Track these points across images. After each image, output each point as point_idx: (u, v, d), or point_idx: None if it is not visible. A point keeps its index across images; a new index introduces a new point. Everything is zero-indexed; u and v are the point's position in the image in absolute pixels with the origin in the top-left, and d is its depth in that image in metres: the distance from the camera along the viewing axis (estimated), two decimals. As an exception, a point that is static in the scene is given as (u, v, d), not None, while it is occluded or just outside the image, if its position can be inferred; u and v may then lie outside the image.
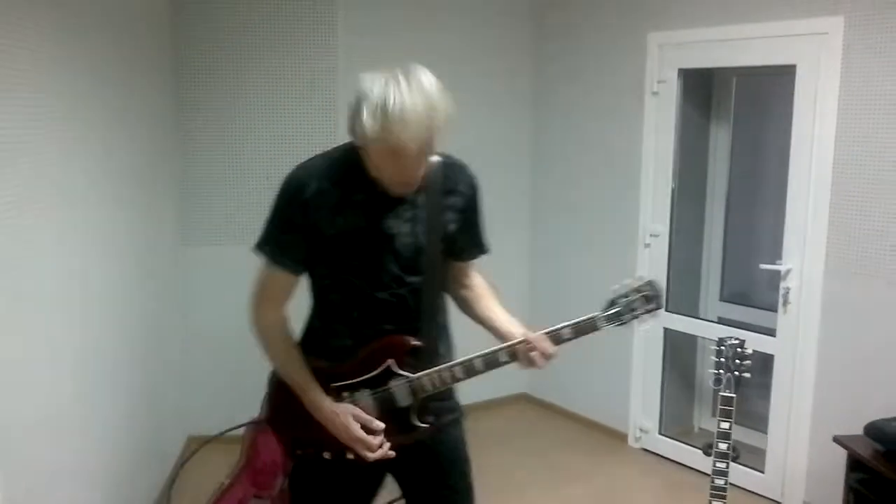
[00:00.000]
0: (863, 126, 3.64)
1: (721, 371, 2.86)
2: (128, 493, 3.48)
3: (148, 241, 3.97)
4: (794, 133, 3.91)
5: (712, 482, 2.87)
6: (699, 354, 4.88)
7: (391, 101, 1.92)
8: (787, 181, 3.97)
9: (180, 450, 4.55)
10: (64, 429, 2.73)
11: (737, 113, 4.74)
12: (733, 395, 2.84)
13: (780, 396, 4.08)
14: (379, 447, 2.17)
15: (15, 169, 2.38)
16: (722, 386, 2.85)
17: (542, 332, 2.15)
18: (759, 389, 4.36)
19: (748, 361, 2.85)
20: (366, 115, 1.95)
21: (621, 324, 2.20)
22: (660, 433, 4.74)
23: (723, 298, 4.82)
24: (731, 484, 2.87)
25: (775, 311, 4.07)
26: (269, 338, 2.31)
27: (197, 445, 4.33)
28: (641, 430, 4.80)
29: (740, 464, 3.81)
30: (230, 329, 4.70)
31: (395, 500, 2.57)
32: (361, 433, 2.16)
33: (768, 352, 4.08)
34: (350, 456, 2.21)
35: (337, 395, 2.20)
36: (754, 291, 4.70)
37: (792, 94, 3.90)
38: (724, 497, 2.85)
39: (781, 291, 3.99)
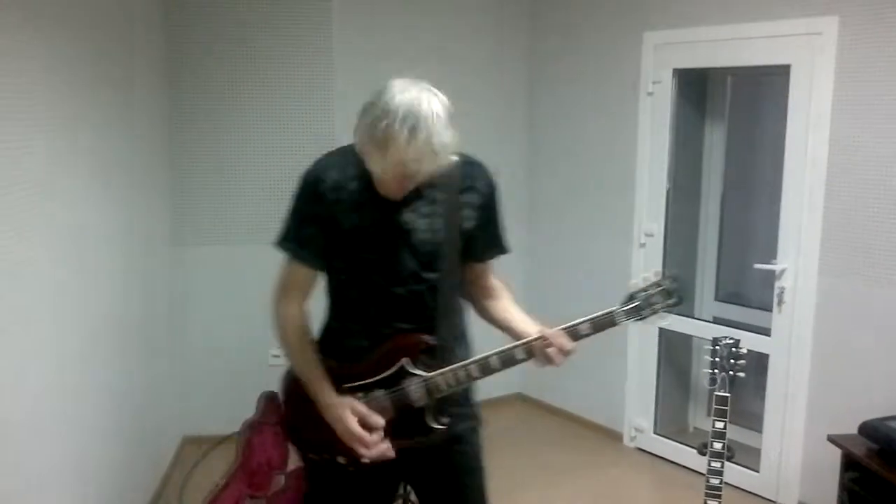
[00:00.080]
0: (857, 126, 3.65)
1: (716, 370, 2.87)
2: (122, 493, 3.47)
3: (141, 241, 3.96)
4: (788, 133, 3.92)
5: (707, 481, 2.87)
6: (694, 354, 4.88)
7: (382, 128, 1.91)
8: (781, 181, 3.97)
9: (175, 450, 4.54)
10: (57, 429, 2.72)
11: (731, 113, 4.75)
12: (728, 395, 2.84)
13: (775, 396, 4.09)
14: (376, 445, 2.14)
15: (6, 171, 2.37)
16: (717, 385, 2.85)
17: (559, 328, 2.11)
18: (754, 389, 4.37)
19: (743, 361, 2.85)
20: (362, 123, 1.98)
21: (640, 319, 2.16)
22: (655, 433, 4.74)
23: (718, 298, 4.83)
24: (726, 483, 2.88)
25: (770, 310, 4.07)
26: (285, 329, 2.27)
27: (200, 447, 4.33)
28: (636, 429, 4.80)
29: (735, 463, 3.81)
30: (224, 329, 4.74)
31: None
32: (355, 427, 2.13)
33: (763, 351, 4.09)
34: (365, 460, 2.17)
35: (351, 396, 2.18)
36: (749, 291, 4.71)
37: (786, 94, 3.91)
38: (719, 496, 2.86)
39: (776, 291, 4.00)
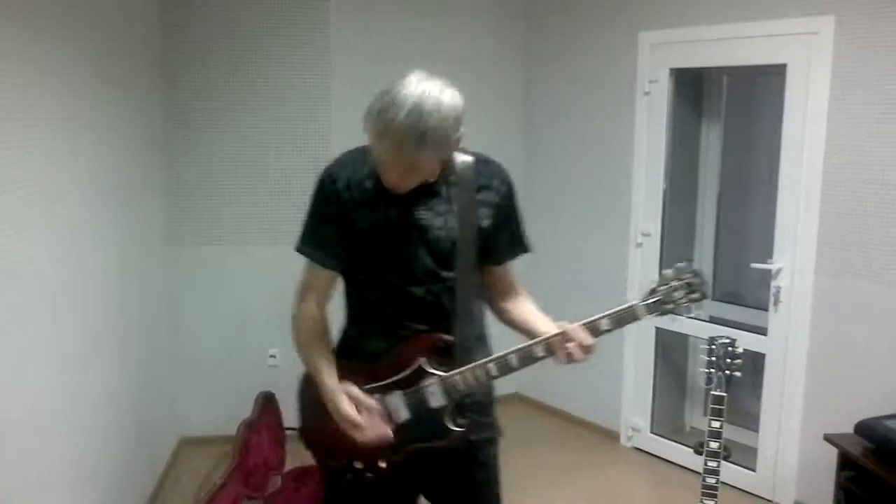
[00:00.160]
0: (853, 125, 3.65)
1: (712, 370, 2.87)
2: (119, 493, 3.47)
3: (138, 241, 3.96)
4: (784, 132, 3.92)
5: (704, 481, 2.87)
6: (691, 353, 4.88)
7: (386, 116, 1.91)
8: (777, 180, 3.98)
9: (172, 451, 4.53)
10: (54, 430, 2.72)
11: (728, 112, 4.75)
12: (724, 394, 2.84)
13: (771, 395, 4.09)
14: (370, 428, 2.11)
15: (5, 171, 2.37)
16: (713, 385, 2.86)
17: (580, 323, 2.07)
18: (751, 388, 4.37)
19: (739, 360, 2.86)
20: (369, 107, 1.96)
21: (662, 313, 2.12)
22: (651, 432, 4.75)
23: (714, 297, 4.83)
24: (722, 482, 2.88)
25: (766, 309, 4.08)
26: (299, 327, 2.26)
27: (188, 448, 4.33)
28: (633, 428, 4.80)
29: (731, 462, 3.81)
30: (221, 329, 4.73)
31: None
32: (349, 411, 2.10)
33: (759, 351, 4.09)
34: (382, 465, 2.16)
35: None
36: (745, 290, 4.71)
37: (783, 94, 3.91)
38: (715, 496, 2.86)
39: (772, 290, 4.00)
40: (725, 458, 2.87)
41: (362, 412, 2.11)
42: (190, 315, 4.70)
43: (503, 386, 5.71)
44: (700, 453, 2.89)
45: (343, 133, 4.62)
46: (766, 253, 4.06)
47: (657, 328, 4.59)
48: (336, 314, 2.31)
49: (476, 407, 2.22)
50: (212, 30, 4.51)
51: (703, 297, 2.13)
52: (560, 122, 5.06)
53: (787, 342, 3.98)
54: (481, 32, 5.14)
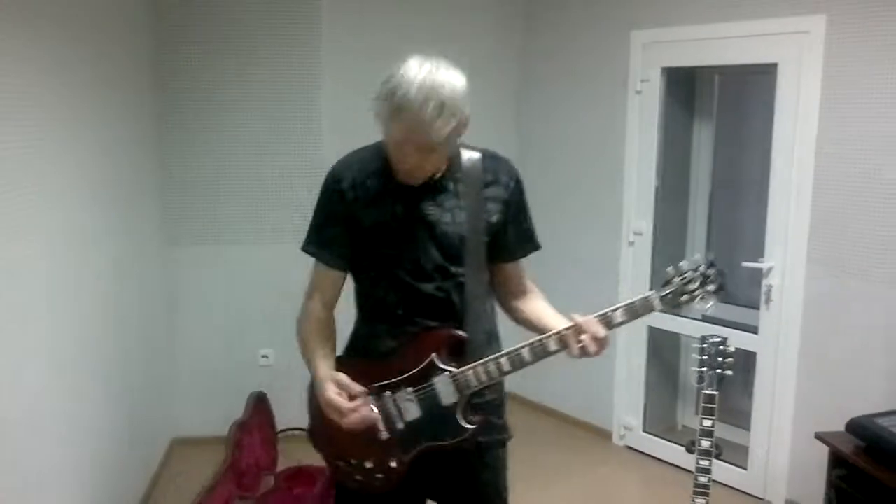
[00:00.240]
0: (844, 124, 3.66)
1: (704, 369, 2.87)
2: (112, 494, 3.46)
3: (133, 241, 3.95)
4: (775, 132, 3.93)
5: (695, 479, 2.88)
6: (682, 352, 4.89)
7: (400, 92, 1.90)
8: (769, 179, 3.98)
9: (164, 451, 4.52)
10: (47, 430, 2.72)
11: (720, 111, 4.76)
12: (716, 393, 2.85)
13: (763, 393, 4.10)
14: (352, 411, 2.06)
15: (5, 171, 2.38)
16: (705, 383, 2.86)
17: (593, 315, 2.04)
18: (742, 387, 4.38)
19: (730, 359, 2.86)
20: (379, 94, 1.96)
21: (678, 305, 2.10)
22: (644, 431, 4.75)
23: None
24: (714, 481, 2.89)
25: (758, 308, 4.09)
26: (302, 326, 2.24)
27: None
28: (625, 427, 4.81)
29: (723, 461, 3.82)
30: (216, 330, 4.72)
31: None
32: (332, 395, 2.06)
33: (751, 349, 4.10)
34: (393, 464, 2.14)
35: (378, 395, 2.12)
36: (737, 289, 4.71)
37: (774, 93, 3.92)
38: (707, 494, 2.86)
39: (763, 289, 4.01)
40: (717, 457, 2.88)
41: (345, 398, 2.07)
42: (182, 315, 4.69)
43: (495, 385, 5.60)
44: (692, 452, 2.89)
45: (334, 132, 4.62)
46: (758, 251, 4.06)
47: (649, 327, 4.60)
48: (345, 312, 2.30)
49: (488, 407, 2.19)
50: (204, 30, 4.50)
51: (720, 289, 2.10)
52: (553, 121, 5.06)
53: (779, 341, 3.99)
54: (476, 31, 5.13)
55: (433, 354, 2.10)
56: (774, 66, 3.90)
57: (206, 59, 4.52)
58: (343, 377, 2.09)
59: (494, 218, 2.16)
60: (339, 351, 2.29)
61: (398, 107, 1.90)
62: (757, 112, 4.46)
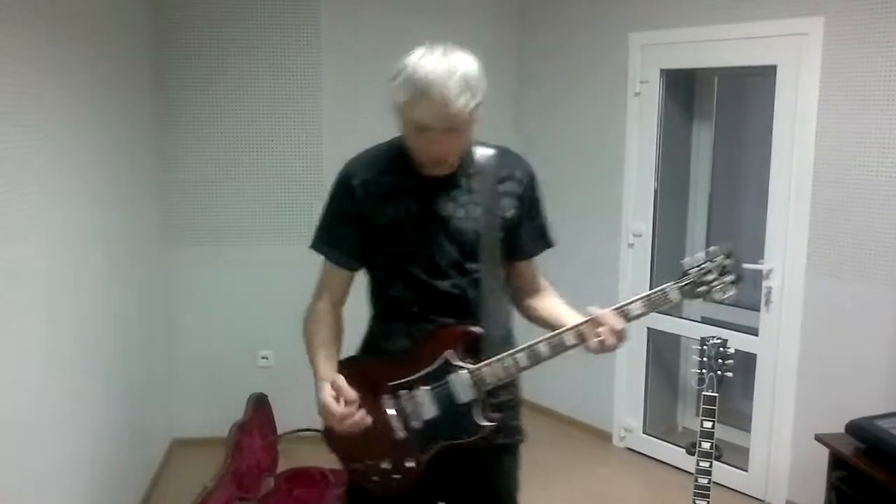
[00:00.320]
0: (843, 126, 3.66)
1: (704, 370, 2.88)
2: (111, 495, 3.46)
3: (131, 242, 3.95)
4: (774, 133, 3.93)
5: (696, 481, 2.88)
6: (682, 354, 4.89)
7: (420, 74, 1.89)
8: (768, 181, 3.99)
9: (164, 453, 4.52)
10: (47, 431, 2.72)
11: (719, 113, 4.76)
12: (716, 395, 2.85)
13: (763, 395, 4.10)
14: (345, 417, 2.01)
15: (5, 171, 2.38)
16: (705, 385, 2.87)
17: (611, 308, 2.01)
18: (742, 388, 4.38)
19: (731, 361, 2.87)
20: (396, 85, 1.94)
21: (696, 296, 2.06)
22: (644, 432, 4.75)
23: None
24: (714, 483, 2.89)
25: (758, 310, 4.09)
26: (307, 321, 2.22)
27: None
28: (625, 429, 4.81)
29: (723, 462, 3.82)
30: (215, 331, 4.72)
31: None
32: (327, 398, 2.02)
33: (751, 351, 4.10)
34: (410, 464, 2.10)
35: (394, 394, 2.10)
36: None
37: (773, 94, 3.92)
38: (707, 496, 2.86)
39: (763, 291, 4.01)
40: (717, 459, 2.88)
41: (341, 402, 2.03)
42: (182, 316, 4.69)
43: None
44: (692, 453, 2.89)
45: (333, 133, 4.62)
46: (758, 253, 4.06)
47: (649, 329, 4.60)
48: (352, 312, 2.28)
49: (504, 408, 2.17)
50: (202, 30, 4.50)
51: (738, 279, 2.06)
52: (552, 122, 5.06)
53: (779, 342, 3.99)
54: (474, 31, 5.12)
55: (449, 351, 2.07)
56: (773, 67, 3.90)
57: (204, 60, 4.52)
58: (340, 381, 2.05)
59: (509, 213, 2.14)
60: (352, 351, 2.26)
61: (423, 87, 1.88)
62: (756, 113, 4.46)
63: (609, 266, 4.70)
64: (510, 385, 2.17)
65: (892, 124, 3.50)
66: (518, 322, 2.28)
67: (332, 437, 2.21)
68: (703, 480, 2.87)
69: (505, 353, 2.05)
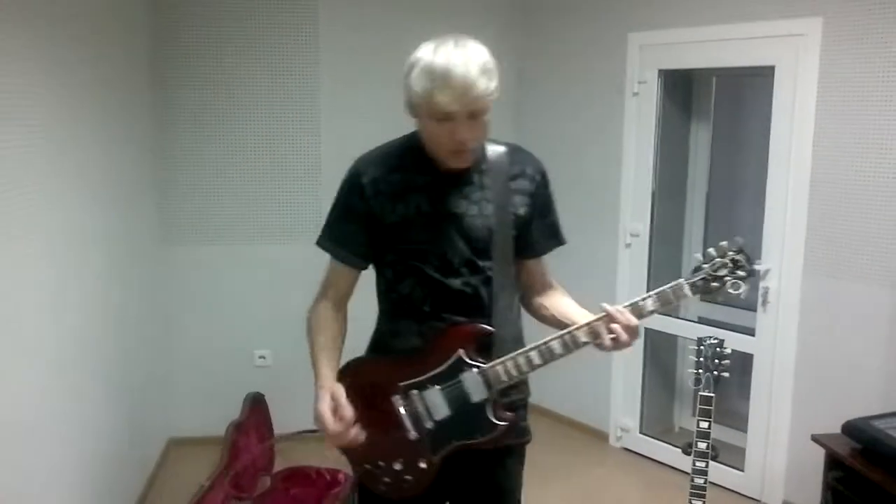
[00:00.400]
0: (840, 126, 3.67)
1: (700, 371, 2.88)
2: (108, 494, 3.45)
3: (129, 241, 3.95)
4: (772, 134, 3.93)
5: (692, 481, 2.88)
6: (679, 354, 4.90)
7: (438, 61, 1.88)
8: (766, 181, 3.99)
9: (160, 452, 4.52)
10: (46, 431, 2.72)
11: (717, 113, 4.77)
12: (712, 395, 2.85)
13: (760, 395, 4.11)
14: (339, 434, 2.00)
15: (5, 171, 2.38)
16: (701, 385, 2.87)
17: (623, 304, 2.01)
18: (739, 389, 4.38)
19: (727, 361, 2.87)
20: (413, 77, 1.92)
21: (709, 292, 2.05)
22: (640, 432, 4.76)
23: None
24: (710, 483, 2.89)
25: (755, 310, 4.09)
26: (309, 320, 2.19)
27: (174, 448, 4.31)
28: (622, 429, 4.81)
29: (720, 462, 3.82)
30: (213, 330, 4.72)
31: None
32: (324, 411, 1.99)
33: (748, 351, 4.11)
34: (422, 465, 2.07)
35: (405, 394, 2.07)
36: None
37: (771, 95, 3.92)
38: (703, 496, 2.87)
39: (760, 291, 4.01)
40: (714, 459, 2.88)
41: (336, 418, 2.01)
42: (179, 315, 4.69)
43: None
44: (689, 453, 2.89)
45: (332, 131, 4.62)
46: (755, 253, 4.03)
47: (646, 329, 4.60)
48: (358, 310, 2.27)
49: (513, 407, 2.15)
50: (201, 27, 4.50)
51: (750, 274, 2.06)
52: (549, 122, 5.06)
53: (775, 343, 3.99)
54: (472, 31, 5.10)
55: (461, 350, 2.05)
56: (771, 68, 3.90)
57: (203, 59, 4.52)
58: (340, 395, 2.03)
59: (521, 211, 2.13)
60: (356, 351, 2.24)
61: (443, 73, 1.87)
62: (754, 114, 4.47)
63: (606, 266, 4.70)
64: (521, 384, 2.15)
65: (890, 125, 3.50)
66: (526, 321, 2.26)
67: None
68: (699, 480, 2.87)
69: (517, 352, 2.03)
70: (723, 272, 2.05)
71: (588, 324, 2.01)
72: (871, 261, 3.60)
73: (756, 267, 2.11)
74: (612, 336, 1.98)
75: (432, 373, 2.06)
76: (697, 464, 2.87)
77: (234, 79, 4.56)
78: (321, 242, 2.18)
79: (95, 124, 3.39)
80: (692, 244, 4.84)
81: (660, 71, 4.44)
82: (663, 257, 4.68)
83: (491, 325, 2.08)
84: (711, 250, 2.07)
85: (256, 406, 4.24)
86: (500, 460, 2.21)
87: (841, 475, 3.24)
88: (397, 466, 2.11)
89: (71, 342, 3.00)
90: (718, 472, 3.95)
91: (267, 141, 4.62)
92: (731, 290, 2.04)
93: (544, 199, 2.21)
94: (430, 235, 2.06)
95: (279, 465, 4.09)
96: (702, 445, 2.85)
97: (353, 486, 2.29)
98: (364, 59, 4.66)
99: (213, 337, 4.73)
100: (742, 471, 4.20)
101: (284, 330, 4.65)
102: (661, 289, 2.02)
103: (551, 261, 2.35)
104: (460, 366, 2.05)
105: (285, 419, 4.31)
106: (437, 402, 2.06)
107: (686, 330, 4.41)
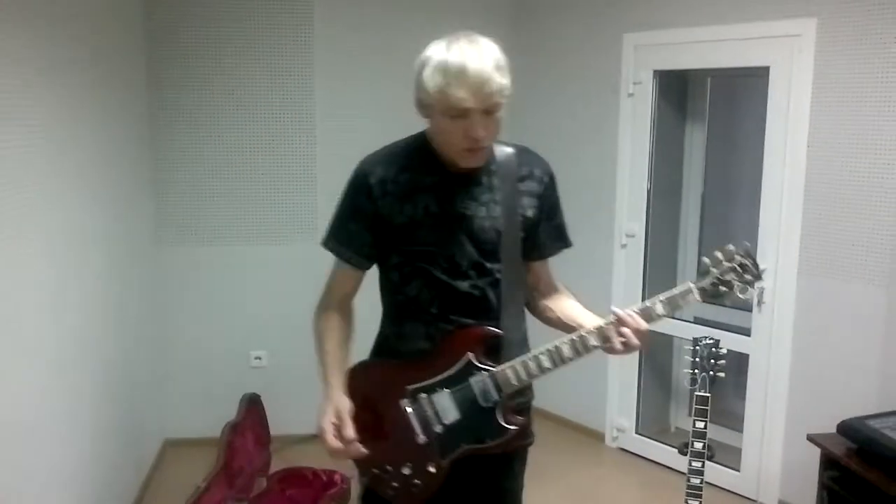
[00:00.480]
0: (835, 127, 3.67)
1: (696, 371, 2.88)
2: (103, 496, 3.45)
3: (125, 242, 3.95)
4: (767, 134, 3.94)
5: (688, 481, 2.88)
6: (675, 354, 4.90)
7: (453, 57, 1.88)
8: (761, 181, 3.99)
9: (156, 453, 4.51)
10: (38, 431, 2.71)
11: (712, 113, 4.77)
12: (708, 395, 2.85)
13: (755, 395, 4.11)
14: (338, 449, 2.01)
15: (5, 171, 2.38)
16: (697, 385, 2.87)
17: (633, 309, 2.00)
18: (735, 389, 4.39)
19: (723, 361, 2.87)
20: (427, 74, 1.91)
21: (717, 296, 2.04)
22: (636, 432, 4.76)
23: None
24: (706, 483, 2.89)
25: (750, 310, 4.09)
26: (317, 322, 2.17)
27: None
28: (618, 429, 4.81)
29: (716, 462, 3.83)
30: (208, 331, 4.71)
31: None
32: (326, 425, 2.00)
33: (743, 351, 4.11)
34: (431, 469, 2.05)
35: (413, 397, 2.05)
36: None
37: (766, 95, 3.93)
38: (699, 496, 2.87)
39: (756, 291, 4.02)
40: (710, 459, 2.88)
41: (338, 436, 2.00)
42: (175, 316, 4.68)
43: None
44: (685, 454, 2.89)
45: (327, 132, 4.62)
46: (741, 245, 4.06)
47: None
48: (362, 311, 2.25)
49: (523, 410, 2.14)
50: (195, 28, 4.49)
51: (756, 278, 2.06)
52: (544, 122, 5.06)
53: (771, 343, 4.00)
54: (470, 30, 5.12)
55: (471, 353, 2.03)
56: (766, 69, 3.91)
57: (201, 60, 4.52)
58: (344, 412, 2.02)
59: (529, 213, 2.11)
60: (361, 350, 2.23)
61: (459, 68, 1.86)
62: (749, 114, 4.47)
63: (602, 266, 4.70)
64: (527, 387, 2.14)
65: (885, 125, 3.51)
66: (536, 327, 2.26)
67: None
68: (695, 480, 2.87)
69: (527, 355, 2.02)
70: (730, 276, 2.05)
71: (598, 327, 2.01)
72: (865, 261, 3.61)
73: (761, 271, 2.09)
74: (622, 340, 1.98)
75: (441, 376, 2.04)
76: (693, 464, 2.87)
77: (232, 79, 4.56)
78: (327, 243, 2.16)
79: (95, 124, 3.39)
80: (688, 244, 4.85)
81: (655, 71, 4.45)
82: (659, 257, 4.69)
83: (499, 328, 2.07)
84: (717, 254, 2.07)
85: (252, 407, 4.23)
86: (507, 464, 2.20)
87: (836, 475, 3.25)
88: (406, 471, 2.08)
89: (70, 342, 3.00)
90: (714, 471, 3.96)
91: (263, 141, 4.62)
92: (739, 295, 2.05)
93: (552, 201, 2.21)
94: (438, 237, 2.04)
95: (275, 466, 4.08)
96: (698, 445, 2.86)
97: (360, 491, 2.25)
98: (360, 61, 4.66)
99: (209, 338, 4.72)
100: (738, 471, 4.20)
101: (280, 331, 4.68)
102: (670, 293, 2.03)
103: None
104: (470, 369, 2.03)
105: (281, 420, 4.30)
106: (446, 406, 2.04)
107: (682, 330, 4.41)
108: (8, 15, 2.44)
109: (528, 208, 2.12)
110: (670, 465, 4.43)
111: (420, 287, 2.08)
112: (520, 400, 2.14)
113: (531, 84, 5.15)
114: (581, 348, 2.01)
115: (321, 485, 3.87)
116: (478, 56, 1.88)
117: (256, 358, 4.76)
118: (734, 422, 4.39)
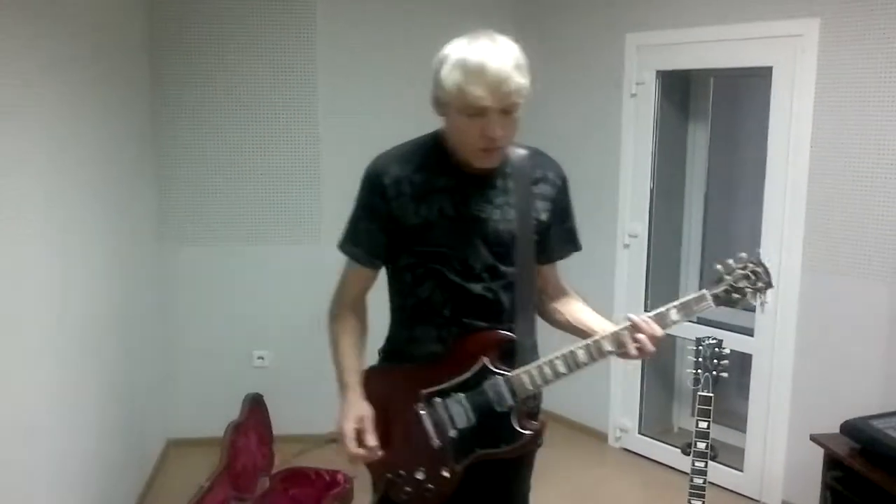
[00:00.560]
0: (838, 127, 3.67)
1: (699, 371, 2.88)
2: (107, 496, 3.45)
3: (128, 240, 3.95)
4: (770, 134, 3.94)
5: (691, 481, 2.88)
6: (678, 354, 4.89)
7: (473, 55, 1.87)
8: (764, 181, 3.99)
9: (159, 453, 4.51)
10: (42, 431, 2.71)
11: (714, 114, 4.76)
12: (711, 395, 2.85)
13: (758, 396, 4.11)
14: (356, 455, 2.02)
15: (4, 171, 2.39)
16: (700, 385, 2.87)
17: (648, 314, 2.01)
18: (738, 389, 4.38)
19: (726, 361, 2.87)
20: (446, 71, 1.90)
21: (731, 303, 2.07)
22: (639, 433, 4.76)
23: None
24: (709, 483, 2.89)
25: (753, 310, 4.07)
26: (332, 323, 2.16)
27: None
28: (621, 429, 4.81)
29: (719, 463, 3.83)
30: (211, 331, 4.71)
31: None
32: (349, 430, 2.00)
33: (746, 351, 4.11)
34: (445, 474, 2.03)
35: (427, 402, 2.03)
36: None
37: (769, 95, 3.93)
38: (703, 496, 2.87)
39: (768, 298, 4.00)
40: (713, 459, 2.88)
41: (359, 442, 2.01)
42: (178, 315, 4.68)
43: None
44: (688, 454, 2.90)
45: (330, 130, 4.62)
46: (753, 253, 4.05)
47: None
48: (369, 313, 2.23)
49: (534, 414, 2.13)
50: (198, 25, 4.49)
51: (768, 286, 2.09)
52: (547, 123, 5.05)
53: (774, 343, 4.00)
54: (471, 29, 5.11)
55: (485, 358, 2.02)
56: (769, 69, 3.91)
57: (203, 57, 4.52)
58: (368, 419, 2.03)
59: (543, 216, 2.11)
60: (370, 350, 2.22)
61: (479, 65, 1.85)
62: (752, 114, 4.46)
63: (605, 267, 4.70)
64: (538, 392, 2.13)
65: (888, 124, 3.51)
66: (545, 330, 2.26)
67: None
68: (698, 480, 2.87)
69: (542, 360, 2.02)
70: (743, 283, 2.08)
71: (614, 333, 2.02)
72: (869, 260, 3.61)
73: (772, 278, 2.15)
74: (637, 346, 1.99)
75: (456, 380, 2.03)
76: (696, 464, 2.87)
77: (234, 76, 4.56)
78: (343, 247, 2.13)
79: (97, 121, 3.39)
80: (691, 244, 4.84)
81: (657, 72, 4.45)
82: (662, 258, 4.68)
83: (512, 332, 2.06)
84: (730, 261, 2.09)
85: (255, 407, 4.23)
86: (517, 468, 2.20)
87: (840, 475, 3.24)
88: (419, 475, 2.07)
89: (74, 342, 3.00)
90: (717, 472, 3.96)
91: (265, 139, 4.61)
92: (751, 301, 2.08)
93: (564, 205, 2.20)
94: (452, 239, 2.03)
95: (278, 466, 4.08)
96: (701, 445, 2.86)
97: (374, 501, 2.24)
98: (362, 58, 4.65)
99: (212, 337, 4.72)
100: (741, 471, 4.20)
101: (283, 331, 4.68)
102: (684, 299, 2.05)
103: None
104: (485, 373, 2.02)
105: (284, 420, 4.31)
106: (460, 410, 2.03)
107: (685, 330, 4.36)
108: (9, 12, 2.44)
109: (542, 212, 2.11)
110: (673, 466, 4.42)
111: (433, 288, 2.06)
112: (533, 404, 2.14)
113: (533, 83, 5.15)
114: (596, 353, 2.02)
115: (324, 484, 3.87)
116: (498, 55, 1.88)
117: (259, 358, 4.76)
118: (737, 422, 4.39)
